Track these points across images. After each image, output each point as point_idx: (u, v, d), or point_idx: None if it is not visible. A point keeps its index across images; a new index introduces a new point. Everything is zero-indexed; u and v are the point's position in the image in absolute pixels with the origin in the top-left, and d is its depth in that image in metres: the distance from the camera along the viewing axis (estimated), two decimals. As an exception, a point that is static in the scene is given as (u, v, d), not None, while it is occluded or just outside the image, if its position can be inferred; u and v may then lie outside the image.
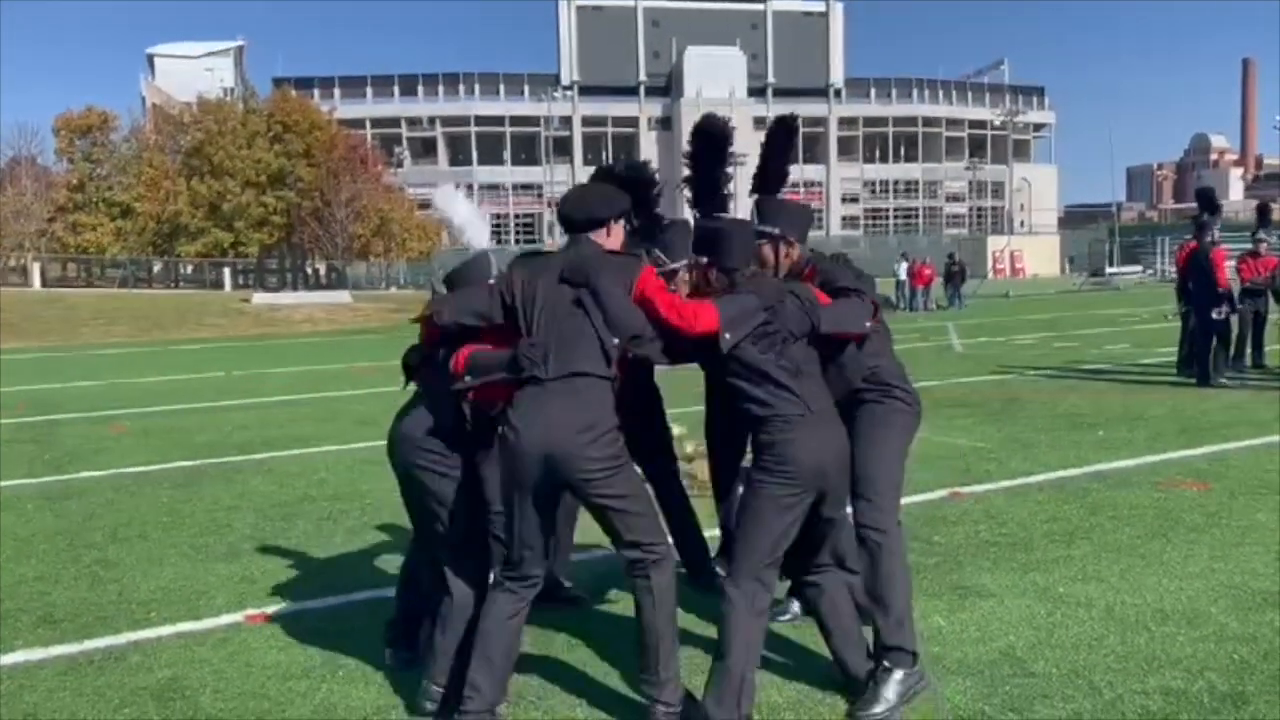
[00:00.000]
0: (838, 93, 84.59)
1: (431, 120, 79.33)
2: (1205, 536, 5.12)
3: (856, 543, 3.45)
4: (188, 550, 5.55)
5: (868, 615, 3.39)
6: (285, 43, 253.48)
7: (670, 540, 3.22)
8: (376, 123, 74.68)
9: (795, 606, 4.10)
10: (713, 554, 4.39)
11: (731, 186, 3.91)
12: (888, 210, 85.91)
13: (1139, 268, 51.73)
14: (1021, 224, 79.73)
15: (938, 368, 13.35)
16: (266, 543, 5.64)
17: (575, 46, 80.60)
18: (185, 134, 52.34)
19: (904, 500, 3.59)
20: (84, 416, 11.47)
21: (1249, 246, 12.32)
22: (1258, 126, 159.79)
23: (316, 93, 67.99)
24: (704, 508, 4.57)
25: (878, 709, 3.19)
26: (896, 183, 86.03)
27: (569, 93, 79.12)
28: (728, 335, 3.09)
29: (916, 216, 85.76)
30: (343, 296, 40.89)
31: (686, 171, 3.92)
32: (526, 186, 78.96)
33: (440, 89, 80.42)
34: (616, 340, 3.09)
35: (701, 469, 5.84)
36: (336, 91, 75.11)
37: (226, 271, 49.44)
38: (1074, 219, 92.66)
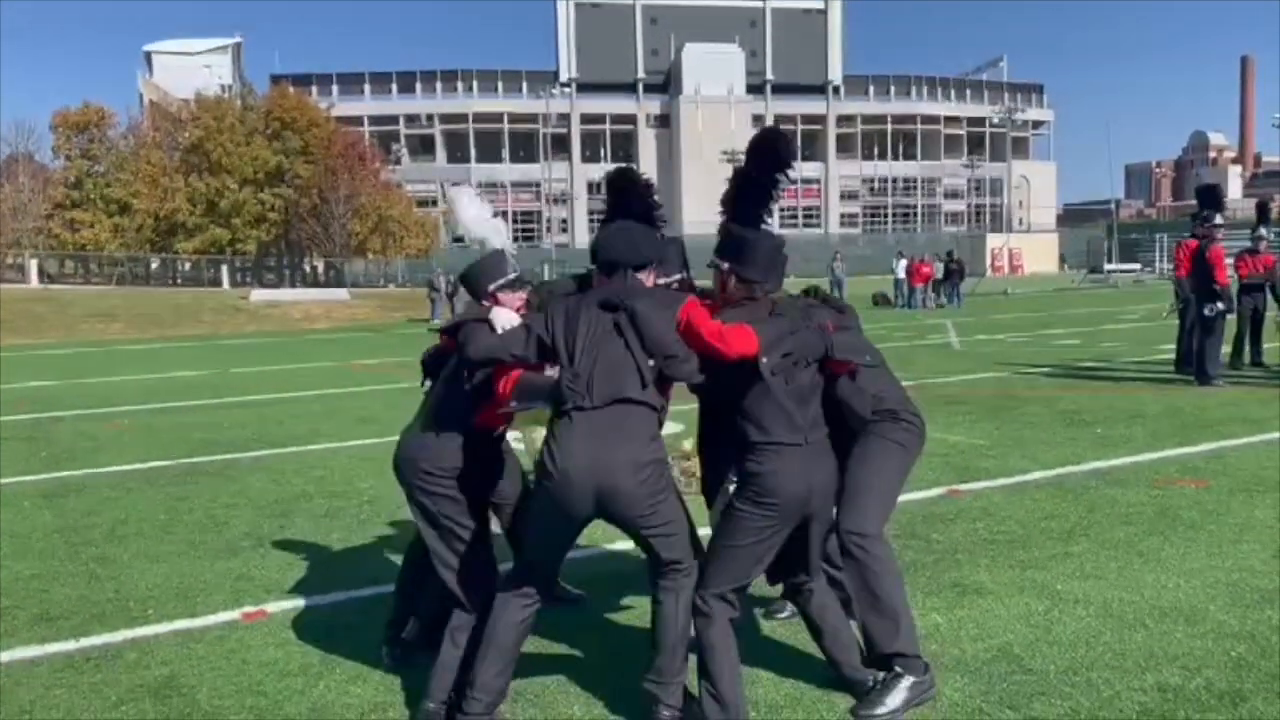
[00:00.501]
0: (836, 90, 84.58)
1: (430, 117, 79.30)
2: (1203, 534, 5.12)
3: (839, 549, 3.43)
4: (185, 548, 5.54)
5: (856, 614, 3.39)
6: (283, 40, 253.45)
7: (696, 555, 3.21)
8: (374, 120, 74.68)
9: (790, 606, 4.10)
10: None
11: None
12: (886, 208, 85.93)
13: (1137, 265, 51.78)
14: (1020, 222, 79.84)
15: (936, 365, 13.36)
16: (264, 540, 5.64)
17: (574, 43, 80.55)
18: (183, 131, 52.29)
19: (903, 497, 3.60)
20: (82, 414, 11.45)
21: (1248, 244, 12.33)
22: (1256, 124, 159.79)
23: (314, 90, 67.91)
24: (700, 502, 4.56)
25: (881, 711, 3.17)
26: (895, 180, 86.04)
27: (567, 90, 79.08)
28: (765, 359, 3.06)
29: (915, 214, 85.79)
30: (340, 294, 40.89)
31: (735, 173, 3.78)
32: (525, 184, 78.93)
33: (438, 86, 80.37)
34: (652, 362, 3.06)
35: (698, 466, 5.84)
36: (334, 88, 75.11)
37: (224, 269, 49.45)
38: (1072, 217, 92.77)
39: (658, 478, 3.04)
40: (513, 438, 4.03)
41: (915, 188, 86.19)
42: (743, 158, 3.78)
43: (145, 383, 15.24)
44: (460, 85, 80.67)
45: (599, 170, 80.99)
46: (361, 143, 56.08)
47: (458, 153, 79.76)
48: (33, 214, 50.28)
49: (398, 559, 4.82)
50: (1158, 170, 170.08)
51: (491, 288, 3.46)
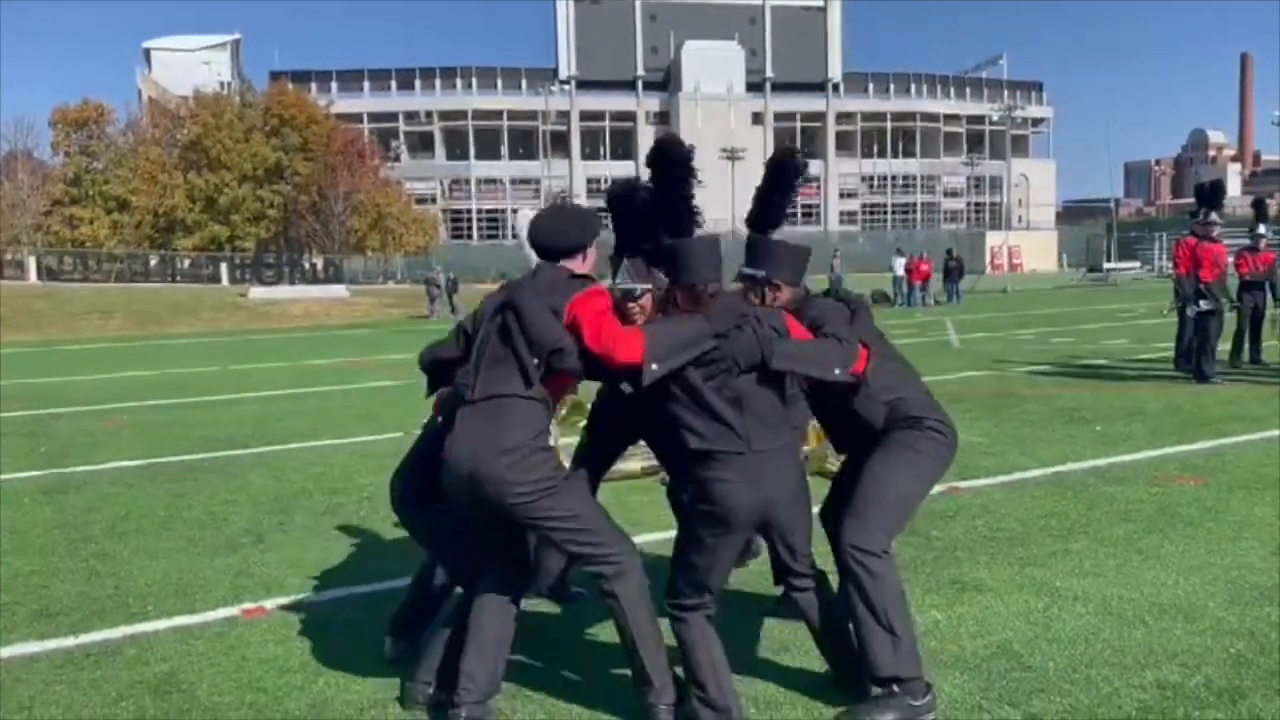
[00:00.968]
0: (836, 88, 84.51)
1: (429, 114, 79.20)
2: (1202, 531, 5.12)
3: (837, 565, 3.29)
4: (185, 544, 5.54)
5: (854, 636, 3.24)
6: (282, 36, 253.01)
7: (632, 545, 3.16)
8: (373, 117, 74.57)
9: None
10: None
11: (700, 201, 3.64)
12: (886, 206, 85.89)
13: (1136, 263, 51.78)
14: (1019, 219, 79.83)
15: (936, 363, 13.35)
16: (263, 537, 5.64)
17: (573, 41, 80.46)
18: (182, 128, 52.27)
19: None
20: (81, 410, 11.45)
21: (1247, 242, 12.33)
22: (1255, 122, 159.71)
23: (313, 86, 67.88)
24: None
25: None
26: (895, 178, 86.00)
27: (566, 87, 79.00)
28: (654, 366, 2.91)
29: (914, 212, 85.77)
30: (340, 291, 40.91)
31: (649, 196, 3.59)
32: (524, 181, 78.86)
33: (437, 83, 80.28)
34: (536, 361, 3.02)
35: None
36: (333, 85, 75.03)
37: (223, 265, 49.46)
38: (1072, 214, 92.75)
39: (534, 465, 2.99)
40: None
41: (915, 185, 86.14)
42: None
43: (144, 379, 15.23)
44: (459, 82, 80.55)
45: (598, 168, 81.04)
46: (360, 140, 56.05)
47: (457, 150, 79.69)
48: (32, 211, 50.28)
49: (397, 555, 4.83)
50: (1157, 168, 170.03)
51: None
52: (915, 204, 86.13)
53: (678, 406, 3.02)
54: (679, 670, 3.16)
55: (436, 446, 3.20)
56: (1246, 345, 11.94)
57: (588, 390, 3.73)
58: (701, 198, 3.79)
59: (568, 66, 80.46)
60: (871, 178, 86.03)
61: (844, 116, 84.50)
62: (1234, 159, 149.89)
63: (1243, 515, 5.39)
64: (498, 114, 79.55)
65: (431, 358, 3.44)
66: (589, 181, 79.49)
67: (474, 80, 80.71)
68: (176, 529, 5.88)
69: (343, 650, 3.85)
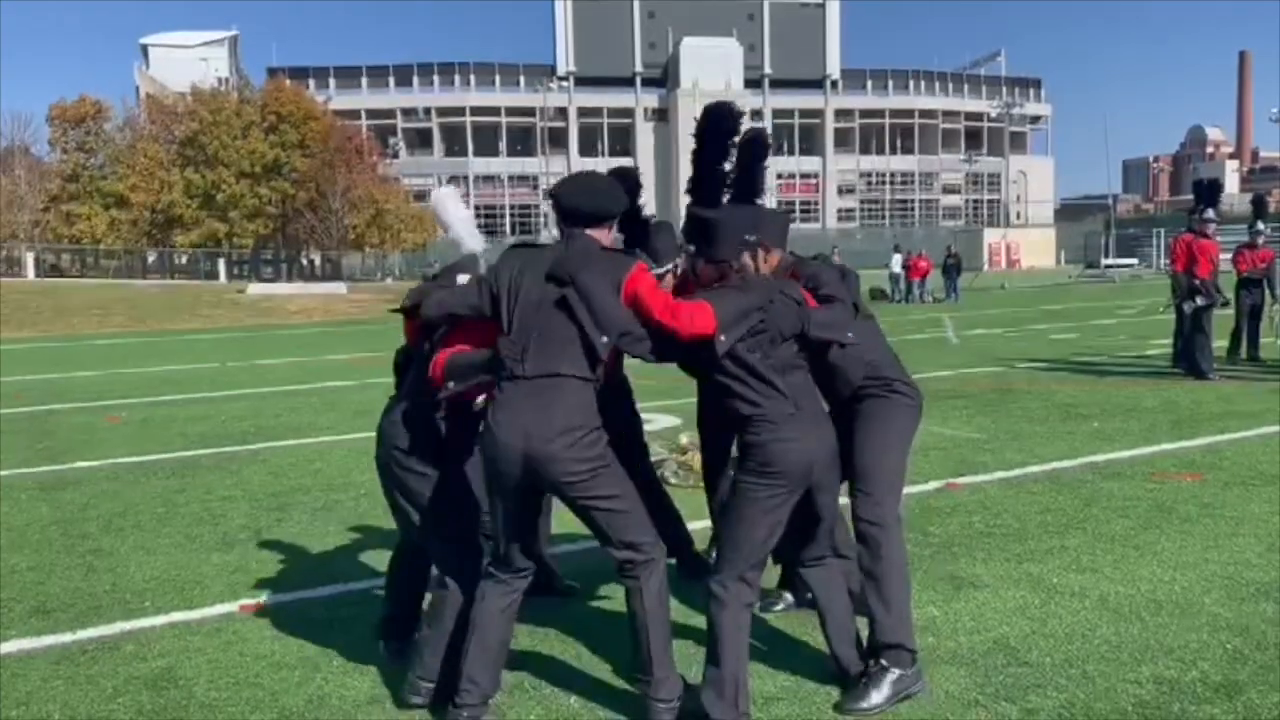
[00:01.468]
0: (834, 84, 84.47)
1: (427, 111, 79.12)
2: (1199, 527, 5.13)
3: (855, 536, 3.44)
4: (182, 540, 5.54)
5: (863, 606, 3.38)
6: (280, 33, 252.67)
7: (659, 538, 3.19)
8: (371, 113, 74.52)
9: (788, 597, 4.12)
10: (701, 545, 4.40)
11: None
12: (884, 202, 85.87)
13: (1134, 260, 51.82)
14: (1018, 216, 79.85)
15: (934, 359, 13.36)
16: (261, 533, 5.64)
17: (571, 37, 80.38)
18: (179, 124, 52.17)
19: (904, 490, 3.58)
20: (79, 406, 11.44)
21: (1245, 239, 12.34)
22: (1254, 119, 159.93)
23: (311, 83, 67.76)
24: (701, 498, 4.57)
25: (866, 705, 3.18)
26: (893, 175, 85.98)
27: (565, 84, 78.95)
28: (723, 337, 3.03)
29: (913, 209, 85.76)
30: (338, 288, 40.88)
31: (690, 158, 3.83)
32: (522, 178, 78.82)
33: (435, 79, 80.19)
34: (605, 339, 3.02)
35: (695, 460, 5.85)
36: (331, 82, 74.89)
37: (221, 262, 49.40)
38: (1070, 211, 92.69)
39: (589, 445, 3.00)
40: None
41: (913, 182, 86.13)
42: (743, 134, 3.82)
43: (142, 376, 15.22)
44: (457, 79, 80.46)
45: (597, 164, 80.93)
46: (358, 136, 55.98)
47: (455, 146, 79.62)
48: (30, 207, 50.22)
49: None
50: (1155, 165, 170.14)
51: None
52: (913, 201, 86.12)
53: (727, 377, 3.10)
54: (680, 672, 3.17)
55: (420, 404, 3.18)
56: (1244, 342, 11.96)
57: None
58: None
59: (566, 63, 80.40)
60: (869, 174, 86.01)
61: (842, 113, 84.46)
62: (1232, 156, 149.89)
63: (1239, 511, 5.40)
64: (496, 111, 79.48)
65: (444, 310, 3.25)
66: (577, 172, 79.22)
67: (472, 77, 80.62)
68: (174, 525, 5.88)
69: (340, 646, 3.85)
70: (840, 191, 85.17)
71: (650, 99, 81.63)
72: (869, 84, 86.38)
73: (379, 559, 4.96)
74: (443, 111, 79.22)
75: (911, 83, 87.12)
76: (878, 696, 3.19)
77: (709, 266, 3.23)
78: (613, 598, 4.31)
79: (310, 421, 9.75)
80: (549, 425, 2.95)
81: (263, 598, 4.50)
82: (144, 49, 74.95)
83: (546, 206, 75.49)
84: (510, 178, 79.34)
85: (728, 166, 3.76)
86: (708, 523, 4.46)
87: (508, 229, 75.69)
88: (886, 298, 31.44)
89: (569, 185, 3.25)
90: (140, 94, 64.19)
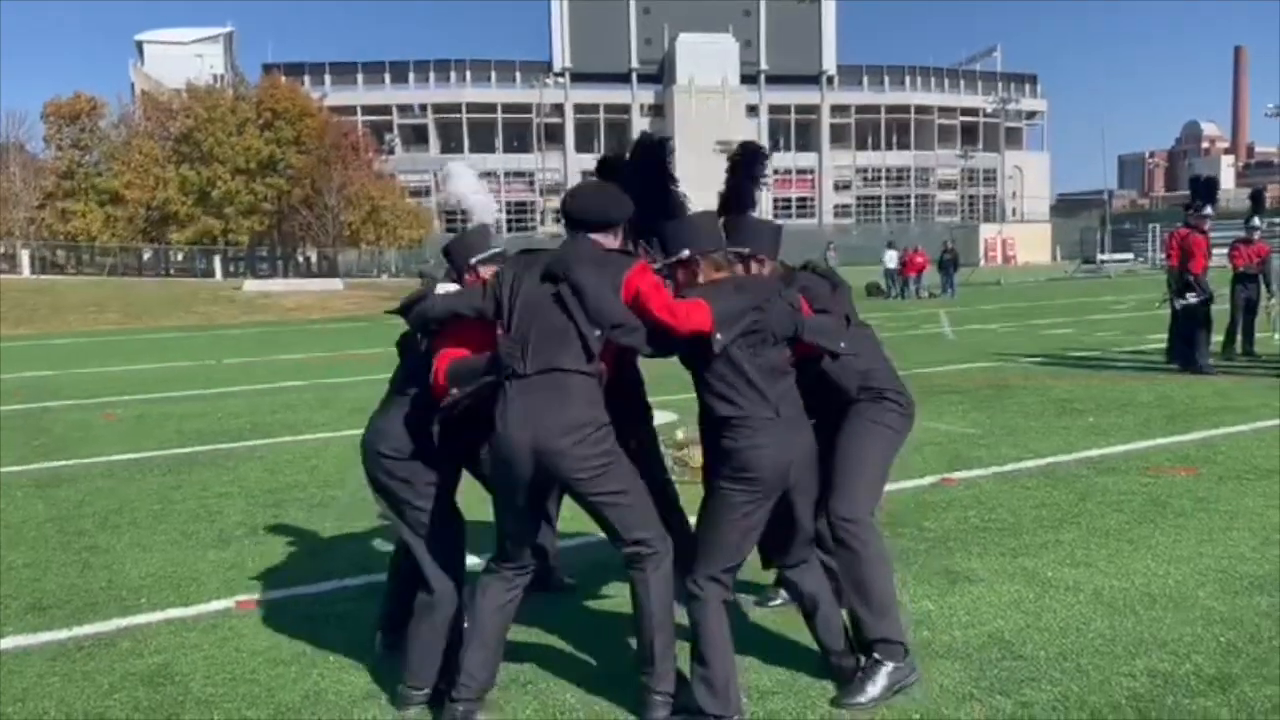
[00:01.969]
0: (830, 80, 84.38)
1: (423, 107, 78.95)
2: (1193, 521, 5.15)
3: (830, 535, 3.43)
4: (178, 537, 5.54)
5: (845, 600, 3.39)
6: (275, 29, 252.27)
7: (666, 532, 3.20)
8: (367, 109, 74.30)
9: (783, 593, 4.11)
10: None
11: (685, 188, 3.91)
12: (880, 198, 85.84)
13: (1130, 255, 51.86)
14: (1013, 212, 79.86)
15: (930, 355, 13.38)
16: (257, 529, 5.64)
17: (567, 33, 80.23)
18: (175, 121, 52.03)
19: (895, 486, 3.61)
20: (75, 404, 11.43)
21: (1242, 234, 12.36)
22: (1249, 114, 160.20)
23: (307, 79, 67.52)
24: (697, 493, 4.56)
25: (862, 699, 3.20)
26: (889, 170, 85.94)
27: (561, 80, 78.80)
28: (719, 335, 3.05)
29: (909, 204, 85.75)
30: (334, 284, 40.83)
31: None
32: (519, 174, 78.72)
33: (431, 75, 80.00)
34: (599, 333, 3.04)
35: (694, 455, 5.85)
36: (327, 78, 74.65)
37: (217, 259, 49.30)
38: (1066, 207, 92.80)
39: (597, 440, 3.02)
40: None
41: (909, 178, 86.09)
42: (736, 147, 3.85)
43: (138, 373, 15.20)
44: (453, 75, 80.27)
45: (592, 161, 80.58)
46: (354, 132, 55.85)
47: (451, 143, 79.44)
48: (24, 204, 50.06)
49: (390, 548, 4.82)
50: (1151, 160, 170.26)
51: (474, 260, 3.51)
52: (909, 196, 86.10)
53: (713, 376, 3.11)
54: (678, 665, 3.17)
55: (428, 411, 3.18)
56: (1239, 336, 11.98)
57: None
58: (696, 188, 3.89)
59: (562, 59, 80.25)
60: (865, 170, 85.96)
61: (838, 109, 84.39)
62: (1227, 151, 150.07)
63: (1233, 506, 5.42)
64: (492, 107, 79.31)
65: (450, 310, 3.26)
66: (583, 174, 79.21)
67: (468, 73, 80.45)
68: (170, 522, 5.88)
69: (336, 642, 3.86)
70: (836, 187, 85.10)
71: (646, 95, 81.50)
72: (865, 80, 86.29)
73: (375, 555, 4.97)
74: (438, 108, 79.05)
75: (907, 78, 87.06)
76: (873, 690, 3.21)
77: (705, 261, 3.22)
78: (609, 594, 4.32)
79: (306, 418, 9.75)
80: (557, 421, 2.98)
81: (259, 594, 4.50)
82: (139, 46, 74.69)
83: (543, 203, 75.61)
84: (506, 174, 79.21)
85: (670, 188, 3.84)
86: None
87: (504, 225, 75.60)
88: (883, 293, 31.46)
89: (576, 192, 3.36)
90: (135, 91, 64.00)
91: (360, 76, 79.01)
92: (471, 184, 3.80)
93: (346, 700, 3.39)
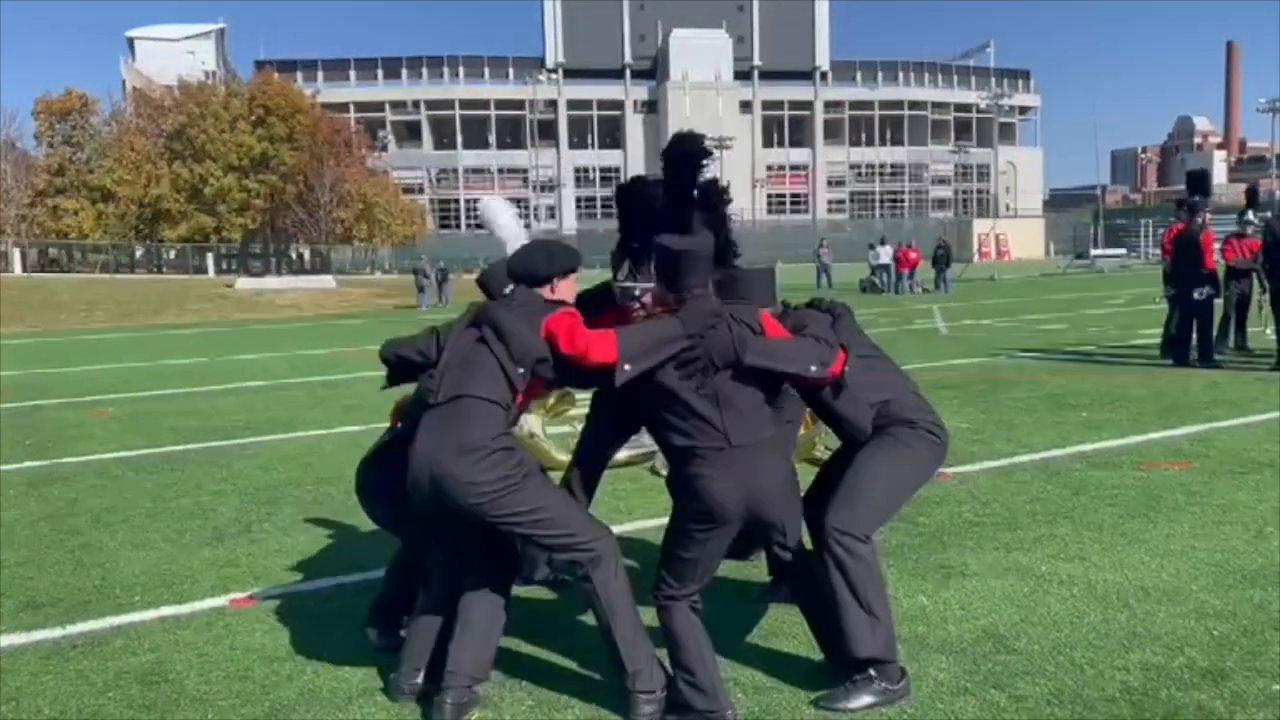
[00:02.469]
0: (824, 76, 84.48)
1: (416, 104, 78.88)
2: (1186, 515, 5.16)
3: (827, 549, 3.26)
4: (172, 535, 5.53)
5: (834, 619, 3.26)
6: (267, 26, 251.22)
7: (607, 532, 3.19)
8: (360, 106, 74.27)
9: (781, 588, 4.11)
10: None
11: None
12: (874, 194, 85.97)
13: (1123, 250, 51.99)
14: (1007, 207, 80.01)
15: (923, 350, 13.40)
16: (251, 527, 5.63)
17: (560, 29, 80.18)
18: (166, 117, 51.88)
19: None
20: (67, 402, 11.39)
21: (1235, 229, 12.38)
22: (1241, 109, 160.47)
23: (299, 76, 67.48)
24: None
25: (842, 706, 3.12)
26: (882, 166, 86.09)
27: (554, 76, 78.70)
28: (626, 366, 3.01)
29: (902, 200, 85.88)
30: (327, 281, 40.75)
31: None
32: (512, 170, 78.69)
33: (424, 72, 79.92)
34: (521, 370, 3.14)
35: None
36: (319, 74, 74.60)
37: (209, 256, 49.19)
38: (1059, 202, 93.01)
39: (492, 465, 3.02)
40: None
41: (902, 173, 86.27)
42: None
43: (131, 370, 15.16)
44: (446, 71, 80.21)
45: (586, 157, 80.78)
46: (347, 129, 55.75)
47: (444, 139, 79.42)
48: (16, 202, 49.87)
49: (385, 545, 4.81)
50: (1144, 156, 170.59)
51: (507, 291, 3.51)
52: (903, 192, 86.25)
53: (658, 407, 3.08)
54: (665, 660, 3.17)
55: (401, 452, 3.23)
56: (1232, 331, 12.01)
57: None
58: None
59: (555, 55, 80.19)
60: (859, 166, 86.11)
61: (832, 105, 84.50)
62: (1220, 146, 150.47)
63: (1227, 499, 5.43)
64: (485, 103, 79.28)
65: (396, 354, 3.47)
66: (576, 170, 79.25)
67: (461, 69, 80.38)
68: (164, 520, 5.86)
69: (331, 639, 3.85)
70: (830, 183, 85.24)
71: (640, 91, 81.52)
72: (858, 75, 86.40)
73: (370, 552, 4.96)
74: (432, 104, 78.98)
75: (901, 74, 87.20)
76: (854, 704, 3.12)
77: (674, 296, 3.13)
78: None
79: (300, 415, 9.73)
80: (453, 445, 3.03)
81: (253, 592, 4.49)
82: (130, 42, 74.49)
83: (537, 199, 75.53)
84: (500, 170, 79.18)
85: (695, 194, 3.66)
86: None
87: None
88: (877, 290, 31.50)
89: (516, 254, 3.51)
90: (127, 87, 63.81)
91: (353, 73, 78.95)
92: (506, 216, 4.17)
93: (341, 698, 3.38)
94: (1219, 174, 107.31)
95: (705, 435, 3.00)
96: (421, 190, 67.73)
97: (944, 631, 3.75)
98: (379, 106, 77.28)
